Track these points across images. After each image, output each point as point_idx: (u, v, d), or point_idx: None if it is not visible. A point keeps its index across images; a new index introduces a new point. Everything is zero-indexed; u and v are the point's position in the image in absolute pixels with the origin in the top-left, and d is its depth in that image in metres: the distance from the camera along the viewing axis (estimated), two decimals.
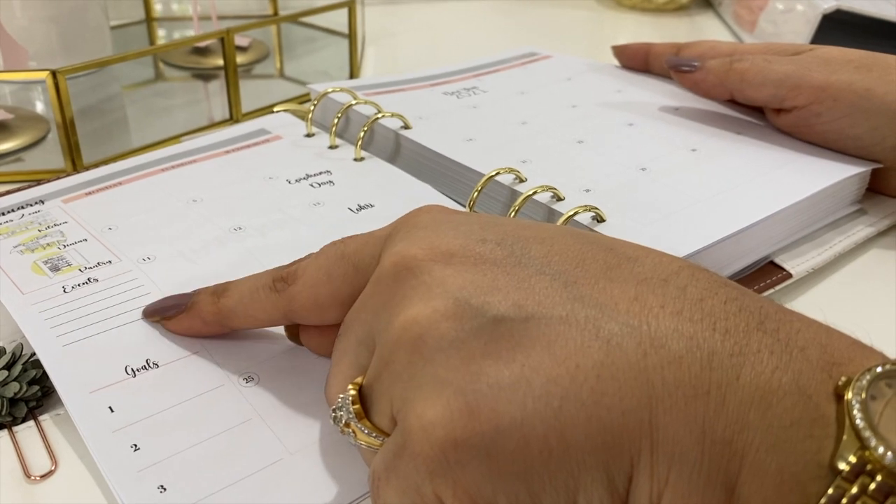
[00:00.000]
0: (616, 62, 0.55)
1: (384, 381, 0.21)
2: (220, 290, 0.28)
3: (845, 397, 0.17)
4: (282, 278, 0.26)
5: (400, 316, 0.21)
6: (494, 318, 0.20)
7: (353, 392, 0.22)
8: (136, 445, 0.25)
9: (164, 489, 0.24)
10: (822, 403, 0.18)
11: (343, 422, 0.22)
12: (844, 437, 0.17)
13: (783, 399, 0.18)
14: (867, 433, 0.17)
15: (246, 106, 0.54)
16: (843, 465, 0.17)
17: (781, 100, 0.42)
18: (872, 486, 0.16)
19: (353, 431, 0.22)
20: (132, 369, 0.28)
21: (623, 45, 0.54)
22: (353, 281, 0.25)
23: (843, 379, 0.18)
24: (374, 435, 0.22)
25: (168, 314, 0.29)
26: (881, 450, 0.16)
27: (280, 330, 0.30)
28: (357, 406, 0.22)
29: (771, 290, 0.35)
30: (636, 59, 0.54)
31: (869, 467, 0.16)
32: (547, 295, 0.20)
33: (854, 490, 0.16)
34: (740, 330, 0.19)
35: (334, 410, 0.23)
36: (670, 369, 0.18)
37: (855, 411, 0.17)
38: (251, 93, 0.58)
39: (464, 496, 0.19)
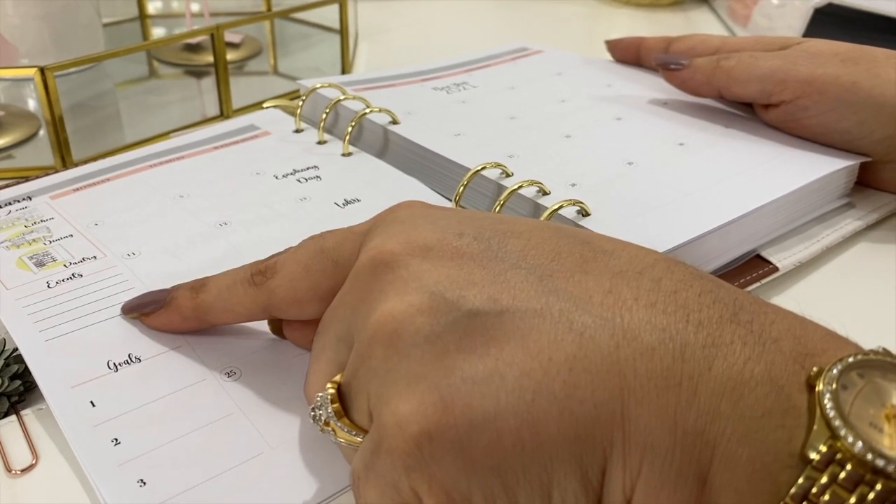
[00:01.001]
0: (609, 57, 0.55)
1: (361, 377, 0.21)
2: (198, 286, 0.28)
3: (816, 388, 0.17)
4: (260, 272, 0.26)
5: (377, 311, 0.21)
6: (469, 312, 0.20)
7: (331, 391, 0.22)
8: (116, 440, 0.25)
9: (144, 483, 0.24)
10: (794, 394, 0.18)
11: (323, 420, 0.22)
12: (815, 427, 0.17)
13: (755, 389, 0.18)
14: (837, 422, 0.17)
15: (239, 102, 0.54)
16: (813, 455, 0.17)
17: (768, 95, 0.41)
18: (842, 475, 0.16)
19: (333, 430, 0.22)
20: (114, 364, 0.28)
21: (616, 39, 0.54)
22: (333, 276, 0.25)
23: (815, 369, 0.18)
24: (353, 433, 0.22)
25: (146, 310, 0.29)
26: (850, 439, 0.16)
27: (262, 325, 0.30)
28: (336, 405, 0.22)
29: (757, 284, 0.35)
30: (628, 54, 0.54)
31: (839, 456, 0.16)
32: (522, 289, 0.20)
33: (824, 479, 0.16)
34: (713, 321, 0.19)
35: (314, 409, 0.23)
36: (642, 361, 0.18)
37: (825, 401, 0.17)
38: (244, 89, 0.58)
39: (439, 491, 0.19)
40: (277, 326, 0.29)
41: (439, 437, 0.19)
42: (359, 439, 0.22)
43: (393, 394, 0.20)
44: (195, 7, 0.69)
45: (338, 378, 0.23)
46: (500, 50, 0.57)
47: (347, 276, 0.24)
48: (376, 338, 0.21)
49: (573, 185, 0.37)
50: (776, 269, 0.36)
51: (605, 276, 0.20)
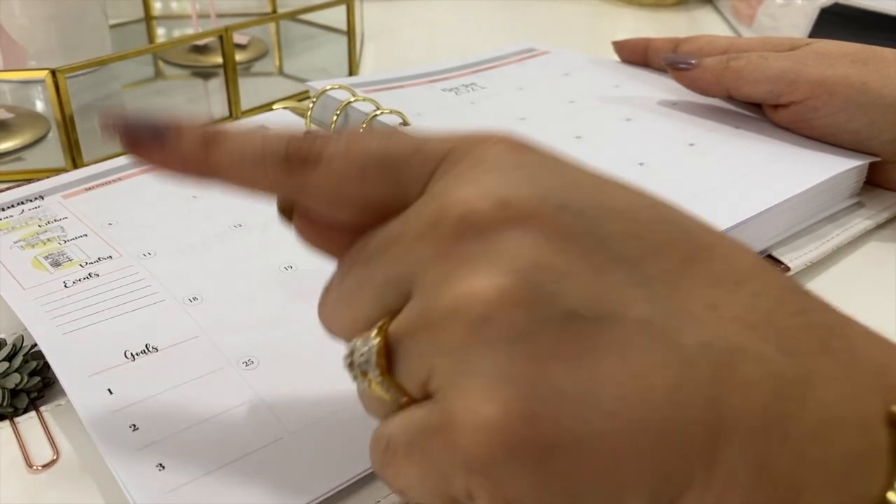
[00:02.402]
0: (616, 57, 0.55)
1: (424, 345, 0.19)
2: (210, 138, 0.22)
3: None
4: (301, 158, 0.21)
5: (461, 284, 0.18)
6: (567, 313, 0.18)
7: (378, 341, 0.20)
8: (134, 426, 0.25)
9: (163, 467, 0.24)
10: (877, 432, 0.17)
11: (359, 368, 0.20)
12: None
13: (844, 432, 0.17)
14: None
15: (245, 103, 0.54)
16: (893, 498, 0.16)
17: (778, 95, 0.42)
18: None
19: (369, 381, 0.20)
20: (131, 353, 0.28)
21: (623, 40, 0.55)
22: (390, 191, 0.21)
23: None
24: (392, 392, 0.20)
25: (142, 142, 0.23)
26: None
27: (281, 315, 0.30)
28: (383, 360, 0.20)
29: None
30: (635, 54, 0.54)
31: None
32: (623, 291, 0.18)
33: None
34: (806, 351, 0.18)
35: (351, 353, 0.20)
36: (739, 397, 0.17)
37: None
38: (250, 90, 0.58)
39: (500, 500, 0.18)
40: (288, 211, 0.24)
41: (518, 452, 0.17)
42: (392, 400, 0.20)
43: (472, 387, 0.18)
44: (198, 6, 0.69)
45: (382, 324, 0.20)
46: (507, 51, 0.58)
47: (409, 203, 0.21)
48: (459, 315, 0.18)
49: None
50: (788, 268, 0.36)
51: (706, 284, 0.19)
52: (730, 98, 0.46)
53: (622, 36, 0.55)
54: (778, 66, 0.41)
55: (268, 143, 0.21)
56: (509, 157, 0.20)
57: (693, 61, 0.45)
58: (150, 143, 0.23)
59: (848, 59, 0.40)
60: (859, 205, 0.41)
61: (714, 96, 0.46)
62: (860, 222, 0.40)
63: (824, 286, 0.37)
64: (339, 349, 0.29)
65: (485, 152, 0.21)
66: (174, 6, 0.77)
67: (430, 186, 0.21)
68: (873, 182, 0.42)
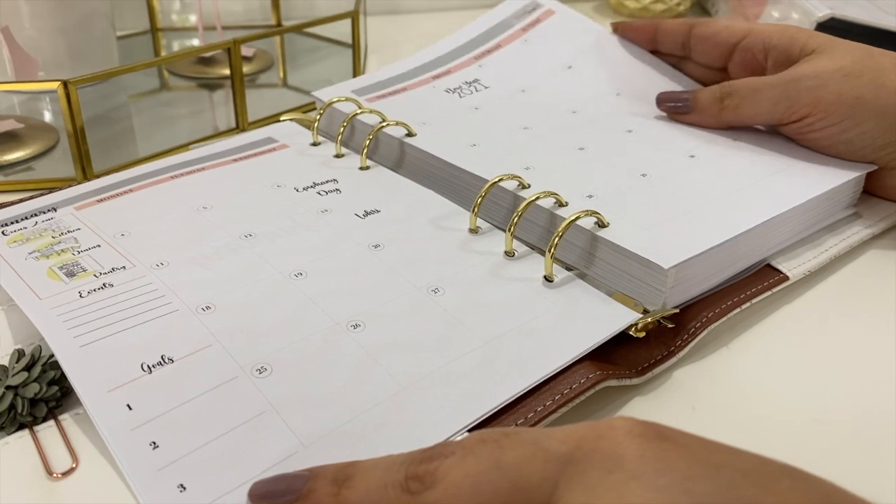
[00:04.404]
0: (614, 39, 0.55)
1: None
2: (341, 478, 0.23)
3: None
4: (418, 478, 0.21)
5: None
6: None
7: None
8: (154, 443, 0.26)
9: (184, 488, 0.25)
10: None
11: None
12: None
13: None
14: None
15: (251, 115, 0.55)
16: None
17: (778, 122, 0.43)
18: None
19: None
20: (148, 366, 0.29)
21: (626, 22, 0.54)
22: (507, 500, 0.20)
23: None
24: None
25: (280, 500, 0.24)
26: None
27: (290, 322, 0.31)
28: None
29: (768, 293, 0.36)
30: (643, 36, 0.53)
31: None
32: None
33: None
34: None
35: None
36: None
37: None
38: (255, 102, 0.59)
39: None
40: None
41: None
42: None
43: None
44: (206, 18, 0.70)
45: None
46: (509, 11, 0.57)
47: None
48: None
49: (589, 196, 0.38)
50: (787, 277, 0.37)
51: None
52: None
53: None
54: (771, 96, 0.43)
55: (388, 470, 0.22)
56: (649, 458, 0.19)
57: (686, 98, 0.46)
58: (289, 497, 0.24)
59: (841, 73, 0.41)
60: (857, 215, 0.42)
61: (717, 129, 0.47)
62: (859, 231, 0.41)
63: (823, 295, 0.38)
64: (349, 352, 0.30)
65: (616, 450, 0.19)
66: (174, 18, 0.78)
67: (560, 496, 0.19)
68: (870, 191, 0.43)
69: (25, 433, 0.28)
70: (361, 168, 0.44)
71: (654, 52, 0.54)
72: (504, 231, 0.38)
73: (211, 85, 0.65)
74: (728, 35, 0.47)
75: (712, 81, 0.49)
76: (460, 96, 0.50)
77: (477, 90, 0.51)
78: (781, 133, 0.44)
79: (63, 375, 0.29)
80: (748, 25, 0.48)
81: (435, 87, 0.51)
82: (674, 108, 0.47)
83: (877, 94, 0.40)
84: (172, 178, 0.43)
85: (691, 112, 0.46)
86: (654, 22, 0.53)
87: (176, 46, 0.75)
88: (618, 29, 0.55)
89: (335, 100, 0.47)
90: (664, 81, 0.52)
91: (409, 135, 0.45)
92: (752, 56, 0.47)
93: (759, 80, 0.44)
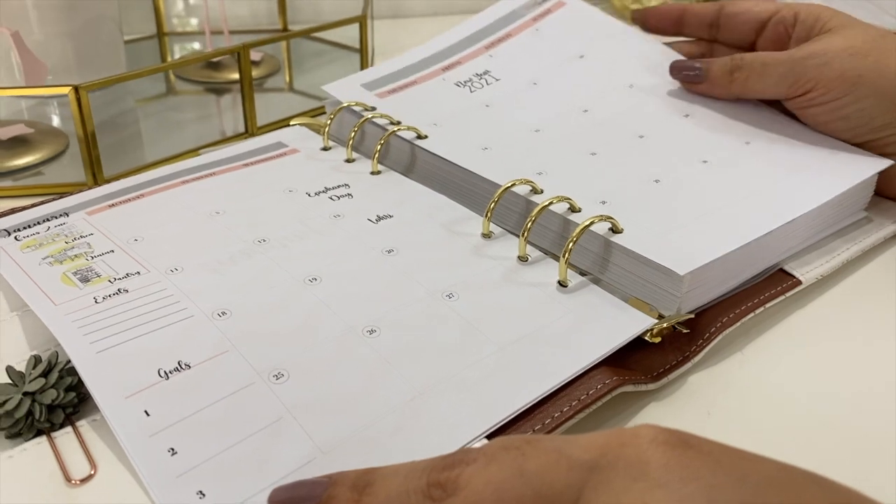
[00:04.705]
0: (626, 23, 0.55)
1: None
2: (361, 485, 0.23)
3: None
4: (440, 485, 0.21)
5: None
6: None
7: None
8: (173, 450, 0.26)
9: (203, 495, 0.25)
10: None
11: None
12: None
13: None
14: None
15: (258, 120, 0.55)
16: None
17: (784, 97, 0.44)
18: None
19: None
20: (165, 372, 0.29)
21: (648, 7, 0.54)
22: None
23: None
24: None
25: None
26: None
27: (309, 324, 0.31)
28: None
29: (781, 297, 0.36)
30: (665, 22, 0.53)
31: None
32: None
33: None
34: None
35: None
36: None
37: None
38: (262, 106, 0.59)
39: None
40: None
41: None
42: None
43: None
44: (213, 23, 0.70)
45: None
46: (519, 2, 0.56)
47: None
48: None
49: (603, 202, 0.38)
50: (799, 282, 0.37)
51: None
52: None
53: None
54: (779, 71, 0.44)
55: (409, 476, 0.22)
56: (674, 466, 0.19)
57: (699, 66, 0.47)
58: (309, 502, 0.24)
59: (847, 52, 0.42)
60: (868, 219, 0.42)
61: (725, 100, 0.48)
62: (869, 236, 0.41)
63: (835, 299, 0.38)
64: (365, 357, 0.30)
65: (641, 456, 0.19)
66: (175, 22, 0.77)
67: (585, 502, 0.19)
68: (881, 193, 0.43)
69: (43, 439, 0.28)
70: (373, 173, 0.44)
71: (677, 34, 0.53)
72: (517, 236, 0.38)
73: (218, 89, 0.65)
74: (760, 11, 0.48)
75: None
76: (471, 90, 0.50)
77: (488, 83, 0.50)
78: (786, 108, 0.45)
79: (80, 381, 0.29)
80: (777, 3, 0.49)
81: (445, 79, 0.51)
82: (686, 77, 0.48)
83: (878, 74, 0.41)
84: (184, 182, 0.43)
85: (703, 82, 0.47)
86: (679, 5, 0.53)
87: (182, 51, 0.75)
88: (639, 16, 0.54)
89: (346, 104, 0.47)
90: (676, 84, 0.52)
91: (420, 138, 0.44)
92: (783, 29, 0.48)
93: (770, 55, 0.45)
